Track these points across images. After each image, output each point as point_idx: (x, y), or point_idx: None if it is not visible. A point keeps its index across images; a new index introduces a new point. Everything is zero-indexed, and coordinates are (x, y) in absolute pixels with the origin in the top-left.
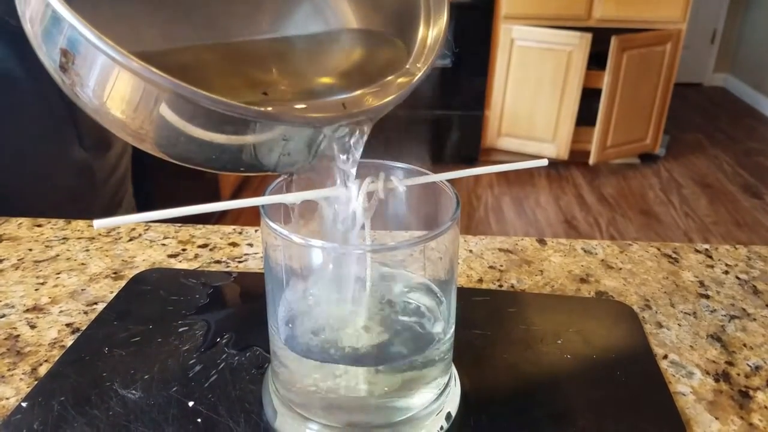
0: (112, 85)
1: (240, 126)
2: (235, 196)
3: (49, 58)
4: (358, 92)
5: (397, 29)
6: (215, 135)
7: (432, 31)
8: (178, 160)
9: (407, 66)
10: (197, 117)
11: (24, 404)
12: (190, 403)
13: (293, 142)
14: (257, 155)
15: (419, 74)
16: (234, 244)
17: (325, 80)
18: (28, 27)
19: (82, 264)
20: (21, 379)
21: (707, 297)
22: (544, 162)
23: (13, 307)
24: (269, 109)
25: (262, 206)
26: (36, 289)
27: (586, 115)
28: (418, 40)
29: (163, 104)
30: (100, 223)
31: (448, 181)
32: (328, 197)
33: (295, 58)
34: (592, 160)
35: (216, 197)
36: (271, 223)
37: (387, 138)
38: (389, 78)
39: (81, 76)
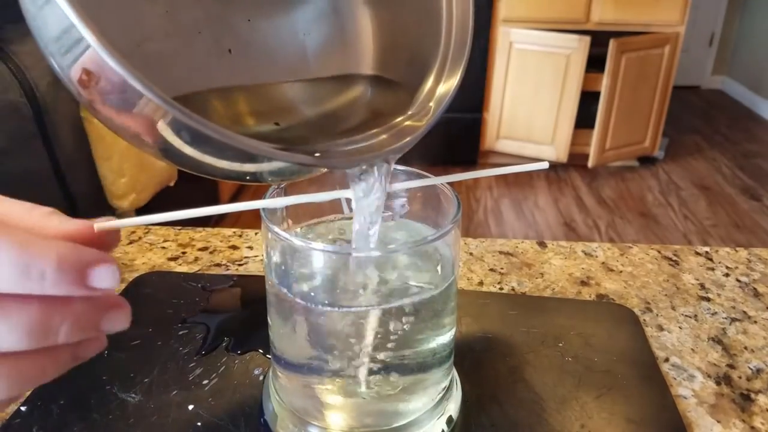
0: (139, 113)
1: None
2: (234, 198)
3: (62, 69)
4: (370, 133)
5: (407, 73)
6: (242, 164)
7: (441, 87)
8: (194, 172)
9: (410, 111)
10: (228, 151)
11: (23, 408)
12: (190, 407)
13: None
14: (278, 176)
15: (425, 124)
16: (234, 247)
17: (333, 115)
18: (33, 24)
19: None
20: None
21: (708, 300)
22: (545, 165)
23: None
24: (299, 155)
25: (263, 209)
26: None
27: (584, 118)
28: (425, 91)
29: (194, 142)
30: (100, 226)
31: (448, 183)
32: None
33: (301, 94)
34: (590, 163)
35: (215, 200)
36: (272, 226)
37: None
38: (396, 120)
39: (104, 96)
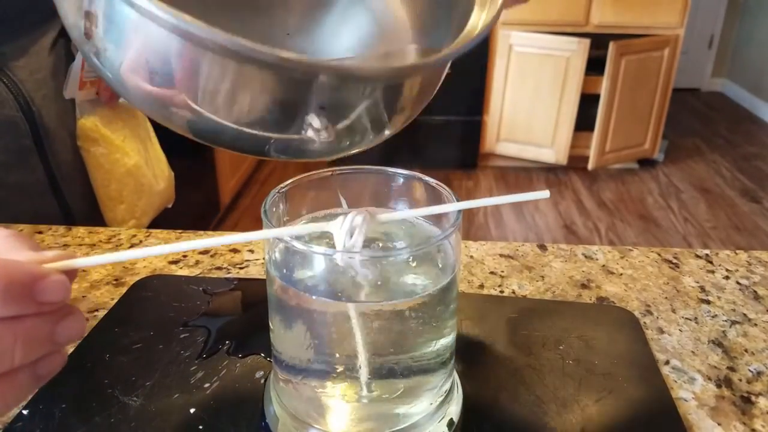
0: (147, 47)
1: (297, 84)
2: (233, 203)
3: (74, 25)
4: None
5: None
6: (270, 97)
7: (483, 16)
8: (209, 141)
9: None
10: (250, 74)
11: (25, 412)
12: (192, 410)
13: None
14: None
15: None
16: (235, 251)
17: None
18: None
19: (83, 271)
20: None
21: (708, 302)
22: (546, 194)
23: None
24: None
25: (264, 211)
26: None
27: (584, 121)
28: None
29: (222, 68)
30: (52, 266)
31: (448, 186)
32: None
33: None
34: (590, 166)
35: (215, 204)
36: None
37: (386, 143)
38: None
39: (106, 40)
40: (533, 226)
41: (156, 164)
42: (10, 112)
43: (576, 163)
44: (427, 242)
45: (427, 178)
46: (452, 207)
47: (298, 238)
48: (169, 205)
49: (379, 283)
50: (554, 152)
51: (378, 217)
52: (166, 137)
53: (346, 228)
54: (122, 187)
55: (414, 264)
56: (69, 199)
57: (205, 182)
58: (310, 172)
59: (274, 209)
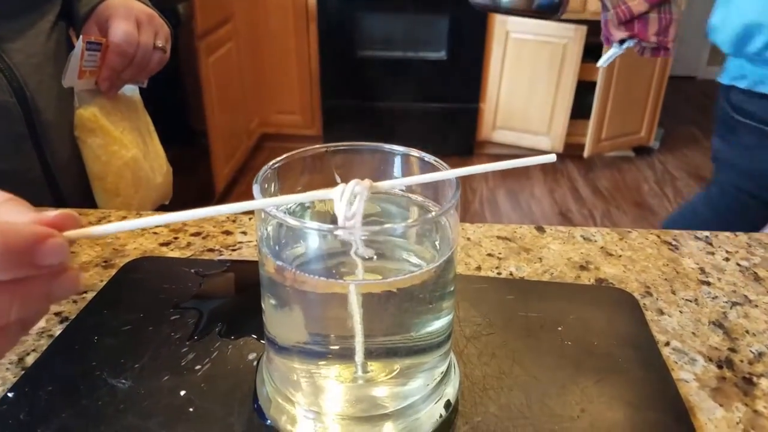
0: None
1: None
2: (228, 189)
3: None
4: None
5: None
6: None
7: None
8: None
9: None
10: None
11: (10, 395)
12: (182, 392)
13: None
14: None
15: None
16: (227, 233)
17: None
18: None
19: (72, 252)
20: (7, 369)
21: (708, 284)
22: (553, 158)
23: None
24: None
25: (256, 184)
26: None
27: (580, 108)
28: None
29: None
30: (69, 235)
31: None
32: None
33: None
34: (586, 153)
35: (210, 191)
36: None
37: (382, 131)
38: None
39: None
40: (529, 213)
41: (154, 158)
42: (2, 97)
43: (572, 150)
44: (425, 217)
45: (423, 153)
46: (456, 173)
47: (291, 212)
48: (167, 202)
49: (375, 261)
50: (550, 140)
51: (379, 184)
52: (162, 126)
53: (347, 195)
54: (119, 179)
55: (411, 242)
56: (64, 190)
57: (199, 169)
58: (304, 148)
59: (266, 185)
